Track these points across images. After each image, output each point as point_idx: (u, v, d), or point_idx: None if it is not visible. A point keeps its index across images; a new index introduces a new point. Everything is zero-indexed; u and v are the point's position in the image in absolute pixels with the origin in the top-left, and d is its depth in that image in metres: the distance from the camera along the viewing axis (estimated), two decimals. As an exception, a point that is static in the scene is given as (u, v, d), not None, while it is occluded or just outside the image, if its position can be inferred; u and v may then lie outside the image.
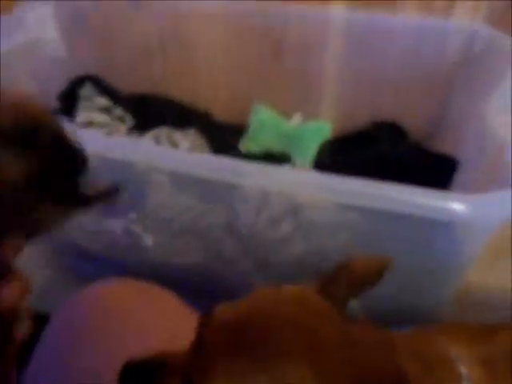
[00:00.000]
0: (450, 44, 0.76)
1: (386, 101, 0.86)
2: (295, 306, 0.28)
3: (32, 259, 0.49)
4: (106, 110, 0.88)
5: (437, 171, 0.77)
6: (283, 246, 0.52)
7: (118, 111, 0.88)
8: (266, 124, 0.90)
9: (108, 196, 0.32)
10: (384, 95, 0.85)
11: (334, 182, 0.45)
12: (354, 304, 0.30)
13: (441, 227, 0.43)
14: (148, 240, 0.57)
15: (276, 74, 0.88)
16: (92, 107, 0.88)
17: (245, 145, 0.90)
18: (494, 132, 0.53)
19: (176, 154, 0.61)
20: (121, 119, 0.88)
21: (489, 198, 0.41)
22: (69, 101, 0.87)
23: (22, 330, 0.27)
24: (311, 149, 0.86)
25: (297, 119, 0.91)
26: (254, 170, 0.47)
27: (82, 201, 0.30)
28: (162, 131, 0.81)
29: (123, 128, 0.87)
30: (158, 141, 0.79)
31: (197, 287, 0.53)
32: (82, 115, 0.85)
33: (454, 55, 0.76)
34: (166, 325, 0.40)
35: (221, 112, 0.95)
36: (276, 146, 0.87)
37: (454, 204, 0.40)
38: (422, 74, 0.81)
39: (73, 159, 0.27)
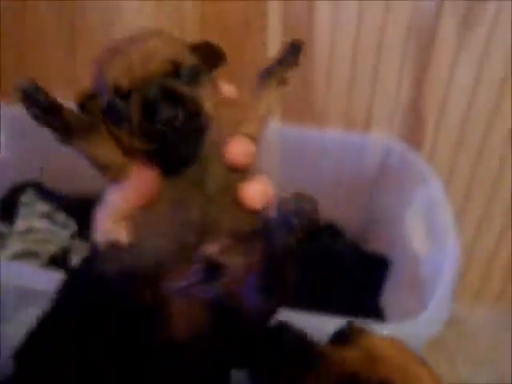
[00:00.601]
0: (369, 156, 0.87)
1: (322, 204, 0.94)
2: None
3: None
4: (47, 216, 0.88)
5: (371, 270, 0.83)
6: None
7: (60, 217, 0.88)
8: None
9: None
10: (319, 199, 0.93)
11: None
12: None
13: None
14: None
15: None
16: (32, 214, 0.87)
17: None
18: (411, 245, 0.60)
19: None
20: (63, 225, 0.87)
21: (406, 326, 0.45)
22: (9, 208, 0.86)
23: None
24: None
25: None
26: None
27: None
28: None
29: (65, 234, 0.87)
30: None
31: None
32: (20, 223, 0.84)
33: (373, 166, 0.86)
34: None
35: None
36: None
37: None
38: (348, 181, 0.90)
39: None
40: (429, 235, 0.61)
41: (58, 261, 0.83)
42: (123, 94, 0.28)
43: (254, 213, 0.32)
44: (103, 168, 0.31)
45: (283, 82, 0.34)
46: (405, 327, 0.45)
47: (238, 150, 0.31)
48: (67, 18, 0.90)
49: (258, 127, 0.34)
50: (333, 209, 0.94)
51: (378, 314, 0.71)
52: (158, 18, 0.85)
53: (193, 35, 0.86)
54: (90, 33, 0.90)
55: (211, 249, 0.30)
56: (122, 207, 0.31)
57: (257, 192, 0.31)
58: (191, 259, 0.29)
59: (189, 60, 0.29)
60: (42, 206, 0.89)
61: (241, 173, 0.32)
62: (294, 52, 0.34)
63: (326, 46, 0.80)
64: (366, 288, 0.78)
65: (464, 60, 0.76)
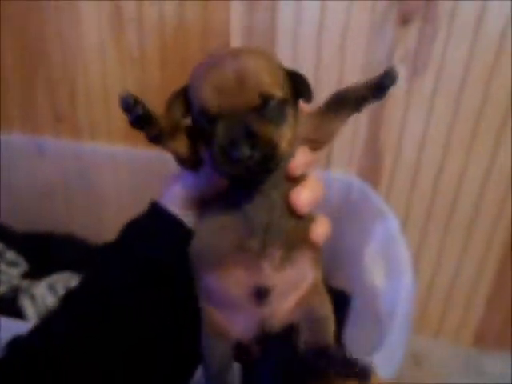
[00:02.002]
0: (331, 193, 0.88)
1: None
2: None
3: None
4: (-3, 255, 0.84)
5: (333, 306, 0.83)
6: None
7: (10, 255, 0.84)
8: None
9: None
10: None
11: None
12: None
13: None
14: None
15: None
16: (-19, 252, 0.83)
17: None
18: (370, 280, 0.60)
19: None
20: (13, 264, 0.83)
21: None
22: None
23: None
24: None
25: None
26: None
27: None
28: (60, 278, 0.78)
29: (16, 273, 0.82)
30: (52, 290, 0.76)
31: None
32: (-32, 262, 0.80)
33: (334, 203, 0.88)
34: None
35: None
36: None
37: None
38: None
39: None
40: (386, 270, 0.62)
41: (6, 301, 0.79)
42: (210, 117, 0.30)
43: (303, 217, 0.33)
44: (182, 161, 0.34)
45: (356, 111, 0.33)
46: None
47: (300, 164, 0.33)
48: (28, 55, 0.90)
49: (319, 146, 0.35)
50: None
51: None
52: (119, 54, 0.86)
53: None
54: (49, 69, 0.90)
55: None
56: (192, 191, 0.34)
57: (305, 197, 0.33)
58: (255, 263, 0.32)
59: (278, 91, 0.30)
60: (-7, 244, 0.85)
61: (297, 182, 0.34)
62: (387, 83, 0.31)
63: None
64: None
65: (415, 102, 0.81)
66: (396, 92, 0.81)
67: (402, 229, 0.70)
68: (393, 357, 0.46)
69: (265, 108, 0.29)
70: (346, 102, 0.32)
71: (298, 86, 0.32)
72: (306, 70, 0.81)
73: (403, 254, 0.61)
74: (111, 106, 0.92)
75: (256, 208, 0.32)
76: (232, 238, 0.32)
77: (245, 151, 0.28)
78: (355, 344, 0.68)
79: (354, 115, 0.34)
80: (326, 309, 0.35)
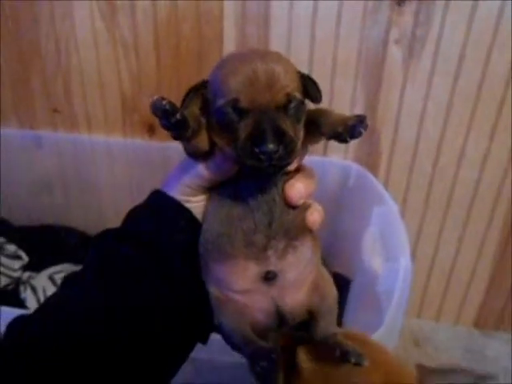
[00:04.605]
0: (328, 179, 0.88)
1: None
2: None
3: None
4: (-4, 248, 0.84)
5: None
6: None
7: (11, 248, 0.84)
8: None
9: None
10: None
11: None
12: None
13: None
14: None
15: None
16: (-19, 245, 0.83)
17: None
18: (369, 264, 0.60)
19: None
20: (13, 257, 0.83)
21: None
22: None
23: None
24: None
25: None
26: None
27: None
28: (60, 269, 0.79)
29: (16, 266, 0.83)
30: (52, 281, 0.76)
31: None
32: (-31, 255, 0.80)
33: (332, 188, 0.88)
34: None
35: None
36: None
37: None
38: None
39: None
40: (385, 253, 0.61)
41: (8, 293, 0.79)
42: (241, 110, 0.31)
43: (299, 207, 0.35)
44: (194, 152, 0.34)
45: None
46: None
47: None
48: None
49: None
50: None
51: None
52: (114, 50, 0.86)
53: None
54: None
55: None
56: (198, 180, 0.35)
57: (299, 189, 0.35)
58: (261, 255, 0.34)
59: (298, 93, 0.33)
60: (-8, 238, 0.85)
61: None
62: (357, 133, 0.32)
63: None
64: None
65: (412, 84, 0.80)
66: (392, 74, 0.80)
67: (401, 212, 0.70)
68: (390, 336, 0.46)
69: (288, 108, 0.32)
70: (320, 133, 0.34)
71: (307, 88, 0.34)
72: (301, 53, 0.80)
73: (402, 236, 0.61)
74: (106, 95, 0.91)
75: (259, 205, 0.34)
76: (240, 232, 0.34)
77: (272, 146, 0.30)
78: (355, 325, 0.69)
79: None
80: (333, 291, 0.38)
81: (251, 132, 0.30)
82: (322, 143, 0.92)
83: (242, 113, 0.31)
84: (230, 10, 0.80)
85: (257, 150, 0.30)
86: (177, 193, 0.35)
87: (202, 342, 0.38)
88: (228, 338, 0.35)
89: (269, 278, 0.35)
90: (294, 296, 0.35)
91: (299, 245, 0.35)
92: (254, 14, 0.79)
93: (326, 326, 0.36)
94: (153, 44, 0.85)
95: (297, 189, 0.34)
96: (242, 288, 0.35)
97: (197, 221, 0.36)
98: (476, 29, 0.74)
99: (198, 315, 0.36)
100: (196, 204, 0.36)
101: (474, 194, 0.87)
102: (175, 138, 0.31)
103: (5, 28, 0.88)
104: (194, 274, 0.35)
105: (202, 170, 0.34)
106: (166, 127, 0.30)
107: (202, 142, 0.33)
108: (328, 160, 0.89)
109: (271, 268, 0.34)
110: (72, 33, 0.86)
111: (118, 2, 0.83)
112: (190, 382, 0.50)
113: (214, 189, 0.35)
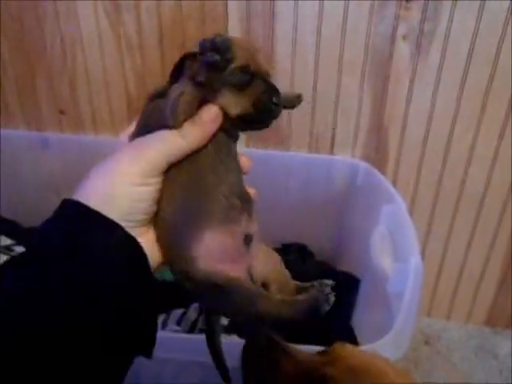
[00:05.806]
0: (336, 177, 0.88)
1: (291, 225, 0.94)
2: None
3: None
4: (7, 250, 0.84)
5: (342, 290, 0.83)
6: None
7: (20, 250, 0.85)
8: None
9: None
10: (288, 220, 0.93)
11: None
12: None
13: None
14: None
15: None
16: (-8, 247, 0.84)
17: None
18: (378, 263, 0.59)
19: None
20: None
21: (376, 346, 0.44)
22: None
23: None
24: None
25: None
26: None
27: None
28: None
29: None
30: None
31: None
32: (-21, 257, 0.80)
33: (340, 187, 0.87)
34: None
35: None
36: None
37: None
38: (317, 202, 0.90)
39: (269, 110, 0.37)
40: (394, 252, 0.61)
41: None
42: (247, 72, 0.36)
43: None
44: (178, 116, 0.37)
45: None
46: (375, 347, 0.44)
47: None
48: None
49: None
50: (303, 229, 0.94)
51: (349, 333, 0.70)
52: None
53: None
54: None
55: None
56: (179, 148, 0.36)
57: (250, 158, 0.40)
58: (239, 217, 0.37)
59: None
60: (4, 240, 0.85)
61: None
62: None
63: (288, 70, 0.82)
64: (338, 308, 0.78)
65: (420, 80, 0.79)
66: (400, 71, 0.79)
67: (410, 210, 0.69)
68: (402, 338, 0.45)
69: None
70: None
71: None
72: (307, 51, 0.80)
73: (411, 235, 0.60)
74: (112, 96, 0.91)
75: (228, 171, 0.37)
76: (222, 197, 0.37)
77: (279, 98, 0.37)
78: (364, 326, 0.68)
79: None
80: (275, 255, 0.41)
81: (267, 88, 0.36)
82: (329, 142, 0.92)
83: (252, 75, 0.36)
84: (234, 8, 0.79)
85: (275, 100, 0.36)
86: (134, 176, 0.35)
87: (145, 357, 0.35)
88: (236, 313, 0.36)
89: (248, 240, 0.37)
90: (258, 262, 0.38)
91: (254, 208, 0.38)
92: (259, 12, 0.79)
93: (282, 287, 0.39)
94: (157, 43, 0.85)
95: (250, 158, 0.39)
96: (231, 252, 0.36)
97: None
98: (485, 23, 0.73)
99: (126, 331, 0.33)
100: (153, 187, 0.35)
101: (484, 192, 0.86)
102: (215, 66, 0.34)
103: (10, 29, 0.88)
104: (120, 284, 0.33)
105: (177, 140, 0.35)
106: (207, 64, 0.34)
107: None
108: (335, 158, 0.88)
109: (248, 230, 0.37)
110: (77, 33, 0.86)
111: (123, 1, 0.82)
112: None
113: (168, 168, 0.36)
